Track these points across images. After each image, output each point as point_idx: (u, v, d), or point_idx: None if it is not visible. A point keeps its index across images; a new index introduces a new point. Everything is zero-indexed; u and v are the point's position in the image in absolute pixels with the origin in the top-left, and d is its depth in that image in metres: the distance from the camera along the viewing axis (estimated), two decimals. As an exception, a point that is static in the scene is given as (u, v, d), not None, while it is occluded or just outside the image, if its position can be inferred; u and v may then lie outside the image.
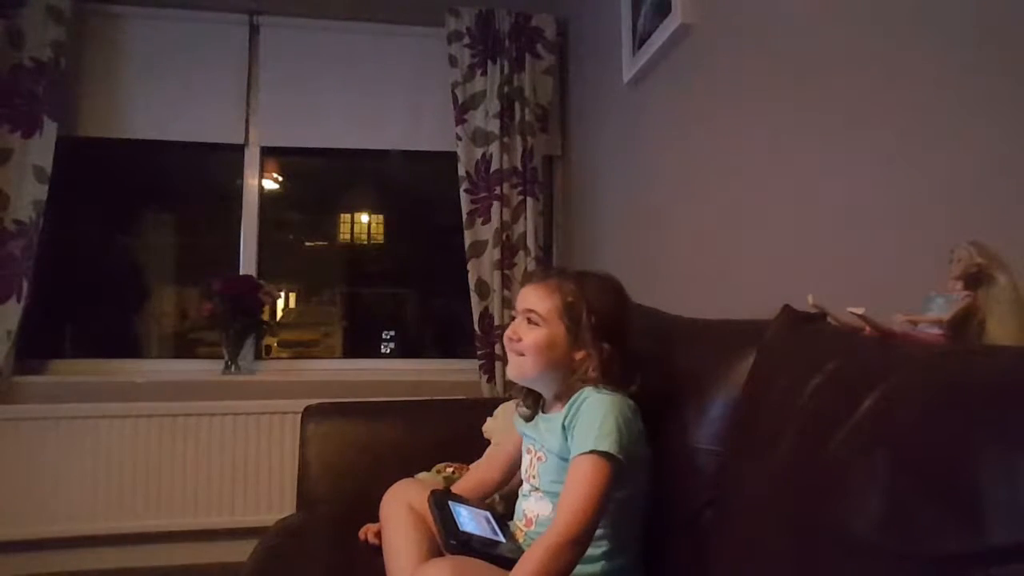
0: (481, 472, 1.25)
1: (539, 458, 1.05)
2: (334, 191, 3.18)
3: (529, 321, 1.05)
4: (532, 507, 1.05)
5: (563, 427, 0.99)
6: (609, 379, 1.00)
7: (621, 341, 1.03)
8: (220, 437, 2.29)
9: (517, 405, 1.17)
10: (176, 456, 2.26)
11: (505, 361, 2.45)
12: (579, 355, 1.02)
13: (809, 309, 0.89)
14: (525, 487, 1.09)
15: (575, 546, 0.88)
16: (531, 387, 1.11)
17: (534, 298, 1.05)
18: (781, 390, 0.80)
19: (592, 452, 0.92)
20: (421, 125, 2.66)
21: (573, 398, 1.00)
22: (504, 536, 1.01)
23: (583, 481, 0.91)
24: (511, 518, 1.10)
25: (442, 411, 1.77)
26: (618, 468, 0.92)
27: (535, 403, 1.13)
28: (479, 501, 1.13)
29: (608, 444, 0.92)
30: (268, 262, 2.67)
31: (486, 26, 2.55)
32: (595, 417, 0.95)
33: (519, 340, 1.05)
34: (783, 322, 0.94)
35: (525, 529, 1.04)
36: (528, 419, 1.13)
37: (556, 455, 1.01)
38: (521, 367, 1.06)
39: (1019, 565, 0.44)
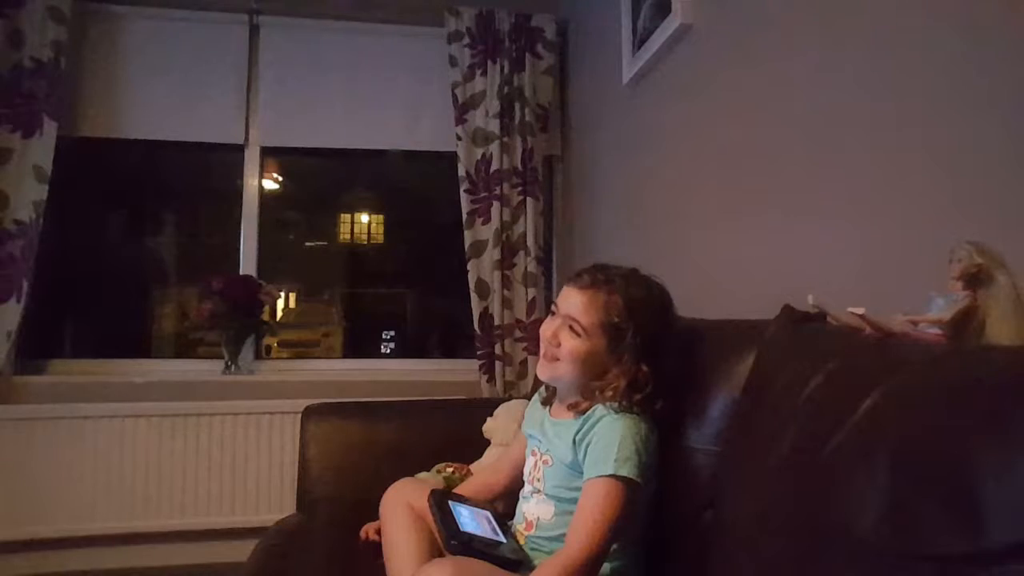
0: (487, 475, 1.24)
1: (545, 461, 1.05)
2: (334, 191, 3.18)
3: (571, 329, 1.01)
4: (533, 510, 1.04)
5: (574, 441, 0.98)
6: (634, 399, 0.98)
7: (660, 360, 1.00)
8: (220, 437, 2.29)
9: (540, 390, 1.15)
10: (176, 456, 2.25)
11: (506, 361, 2.47)
12: (615, 371, 1.00)
13: (809, 309, 0.89)
14: (527, 488, 1.08)
15: (588, 569, 0.88)
16: (555, 385, 1.09)
17: (580, 307, 1.01)
18: (781, 390, 0.80)
19: (611, 476, 0.91)
20: (421, 125, 2.66)
21: (588, 414, 0.99)
22: (505, 536, 1.01)
23: (600, 505, 0.90)
24: (511, 518, 1.10)
25: (442, 411, 1.77)
26: (636, 491, 0.92)
27: (554, 394, 1.11)
28: (480, 501, 1.13)
29: (628, 469, 0.91)
30: (268, 262, 2.66)
31: (486, 26, 2.55)
32: (612, 439, 0.94)
33: (558, 345, 1.02)
34: (783, 322, 0.94)
35: (526, 533, 1.03)
36: (544, 403, 1.12)
37: (563, 463, 1.01)
38: (554, 371, 1.03)
39: (1019, 565, 0.44)
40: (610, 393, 0.98)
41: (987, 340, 0.65)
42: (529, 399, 1.22)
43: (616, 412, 0.97)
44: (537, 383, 1.14)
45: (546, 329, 1.04)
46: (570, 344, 1.00)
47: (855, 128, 1.05)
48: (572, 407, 1.03)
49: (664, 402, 0.99)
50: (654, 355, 0.99)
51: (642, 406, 0.98)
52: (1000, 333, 0.64)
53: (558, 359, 1.02)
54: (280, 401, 2.33)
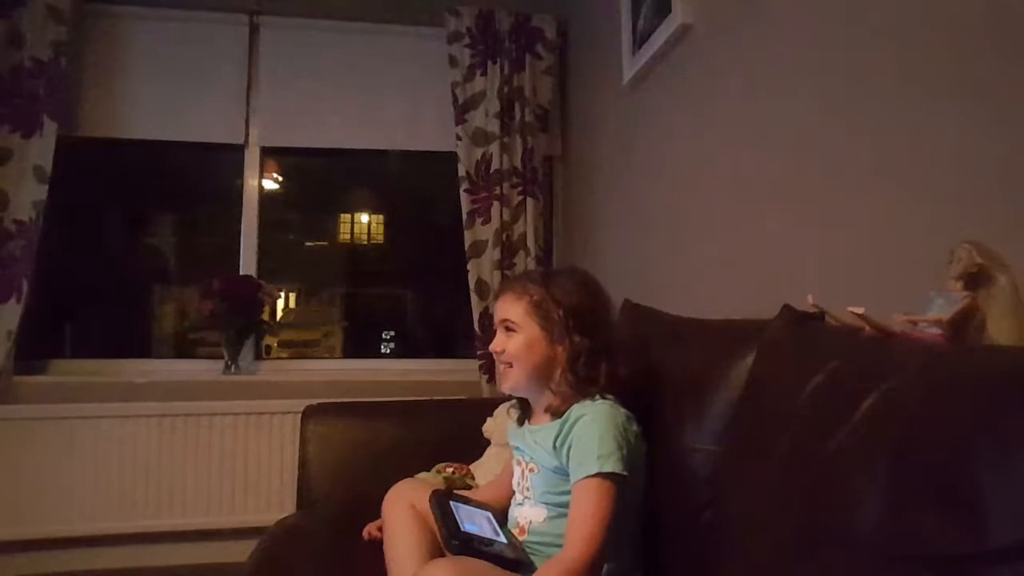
0: (490, 491, 1.24)
1: (531, 470, 1.06)
2: (334, 191, 3.18)
3: (508, 330, 1.07)
4: (526, 514, 1.05)
5: (555, 446, 0.99)
6: (583, 371, 1.01)
7: (594, 330, 1.03)
8: (220, 437, 2.29)
9: (508, 410, 1.17)
10: (176, 456, 2.25)
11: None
12: (559, 350, 1.04)
13: (809, 309, 0.89)
14: (518, 497, 1.09)
15: (590, 569, 0.88)
16: (522, 395, 1.12)
17: (506, 306, 1.08)
18: (781, 390, 0.80)
19: (597, 475, 0.92)
20: (421, 125, 2.66)
21: (564, 416, 1.00)
22: (505, 536, 1.01)
23: (593, 505, 0.91)
24: (511, 519, 1.10)
25: (442, 411, 1.77)
26: (624, 484, 0.93)
27: (526, 409, 1.14)
28: (481, 502, 1.13)
29: (612, 464, 0.92)
30: (268, 262, 2.66)
31: (486, 26, 2.55)
32: (592, 437, 0.95)
33: (502, 351, 1.07)
34: (783, 322, 0.94)
35: (520, 537, 1.04)
36: (519, 423, 1.13)
37: (548, 469, 1.01)
38: (512, 378, 1.07)
39: (1019, 565, 0.44)
40: (567, 377, 1.02)
41: (987, 340, 0.65)
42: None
43: (591, 403, 0.99)
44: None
45: (492, 345, 1.10)
46: (511, 344, 1.06)
47: (856, 127, 1.05)
48: (547, 410, 1.05)
49: (608, 366, 1.02)
50: (590, 327, 1.03)
51: (593, 379, 1.01)
52: (1000, 333, 0.64)
53: (510, 365, 1.07)
54: (280, 401, 2.33)
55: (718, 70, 1.50)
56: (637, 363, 1.07)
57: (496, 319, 1.10)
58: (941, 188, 0.88)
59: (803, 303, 0.89)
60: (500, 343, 1.08)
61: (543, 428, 1.04)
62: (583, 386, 1.01)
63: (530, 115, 2.56)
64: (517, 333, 1.06)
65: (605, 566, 0.95)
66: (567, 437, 0.98)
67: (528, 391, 1.10)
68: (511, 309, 1.07)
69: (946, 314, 0.67)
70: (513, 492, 1.12)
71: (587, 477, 0.92)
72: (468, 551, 0.92)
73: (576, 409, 0.99)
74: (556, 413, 1.02)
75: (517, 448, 1.11)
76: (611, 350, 1.04)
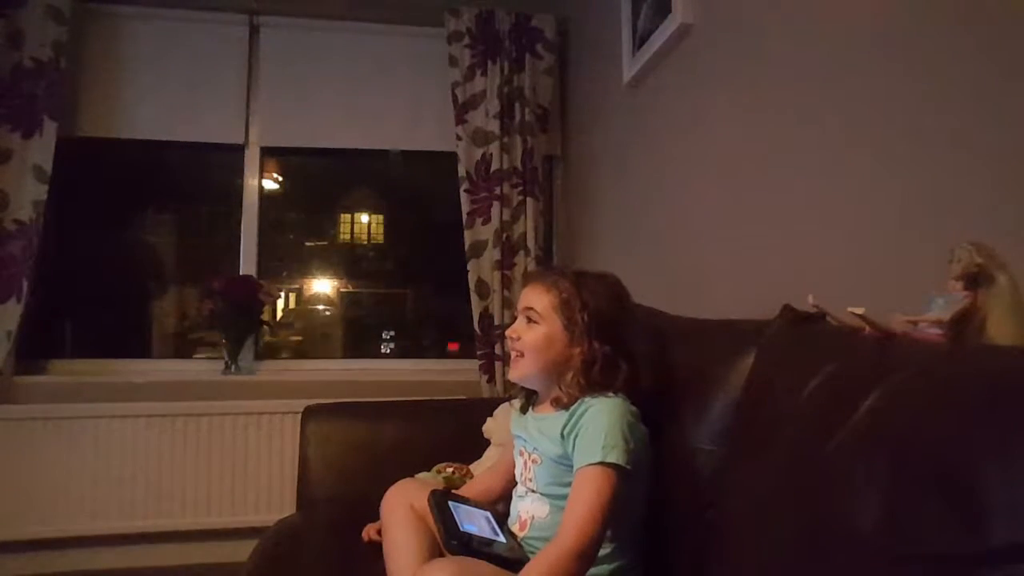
0: (486, 480, 1.25)
1: (534, 460, 1.05)
2: (334, 191, 3.18)
3: (529, 320, 1.06)
4: (528, 508, 1.05)
5: (562, 435, 0.99)
6: (597, 377, 1.00)
7: (616, 339, 1.03)
8: (220, 437, 2.29)
9: (512, 402, 1.17)
10: (176, 456, 2.25)
11: (506, 361, 2.47)
12: (576, 351, 1.03)
13: (809, 309, 0.89)
14: (520, 489, 1.09)
15: (582, 559, 0.88)
16: (530, 386, 1.11)
17: (532, 296, 1.07)
18: (781, 390, 0.80)
19: (599, 464, 0.92)
20: (421, 125, 2.66)
21: (574, 407, 1.00)
22: (504, 536, 1.01)
23: (591, 493, 0.91)
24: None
25: (442, 411, 1.77)
26: (625, 477, 0.93)
27: (530, 397, 1.13)
28: (480, 501, 1.13)
29: (615, 455, 0.92)
30: (268, 262, 2.66)
31: (486, 26, 2.55)
32: (599, 427, 0.95)
33: (518, 339, 1.06)
34: (783, 322, 0.94)
35: (520, 533, 1.04)
36: (522, 411, 1.13)
37: (552, 459, 1.01)
38: (521, 368, 1.07)
39: (1019, 565, 0.44)
40: (578, 380, 1.01)
41: (987, 340, 0.65)
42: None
43: (603, 397, 0.99)
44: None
45: (508, 331, 1.10)
46: (529, 334, 1.06)
47: (856, 127, 1.05)
48: (555, 402, 1.04)
49: (630, 382, 1.01)
50: (611, 333, 1.03)
51: (607, 384, 1.00)
52: (1000, 333, 0.64)
53: (523, 355, 1.06)
54: (280, 401, 2.33)
55: (718, 70, 1.50)
56: (657, 373, 1.05)
57: (519, 305, 1.09)
58: (941, 188, 0.88)
59: (803, 303, 0.89)
60: (518, 330, 1.07)
61: (549, 417, 1.04)
62: (595, 390, 1.00)
63: (530, 115, 2.56)
64: (538, 325, 1.05)
65: (607, 567, 0.95)
66: (575, 426, 0.98)
67: (536, 383, 1.10)
68: (538, 300, 1.06)
69: (946, 314, 0.67)
70: (515, 484, 1.12)
71: (589, 465, 0.92)
72: (467, 551, 0.92)
73: (587, 400, 0.99)
74: (564, 406, 1.01)
75: (519, 437, 1.11)
76: (631, 359, 1.03)
